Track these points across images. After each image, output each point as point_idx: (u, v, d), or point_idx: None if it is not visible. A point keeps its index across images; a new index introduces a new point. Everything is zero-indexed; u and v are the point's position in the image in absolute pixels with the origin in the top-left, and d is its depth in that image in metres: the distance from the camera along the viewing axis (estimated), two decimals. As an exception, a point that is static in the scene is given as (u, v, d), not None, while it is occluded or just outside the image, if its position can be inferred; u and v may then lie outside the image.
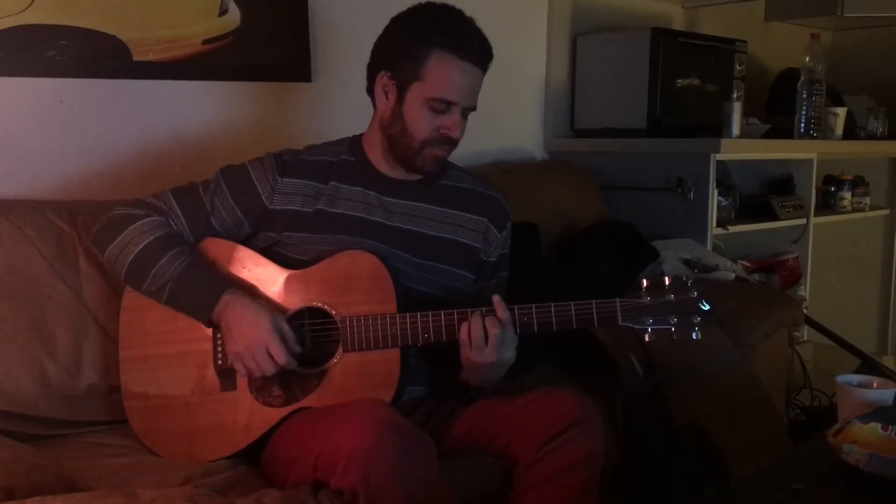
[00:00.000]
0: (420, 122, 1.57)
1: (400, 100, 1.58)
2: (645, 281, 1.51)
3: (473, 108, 1.61)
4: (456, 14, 1.59)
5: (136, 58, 1.97)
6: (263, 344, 1.49)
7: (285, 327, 1.52)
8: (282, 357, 1.50)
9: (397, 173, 1.66)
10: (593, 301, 1.49)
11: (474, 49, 1.55)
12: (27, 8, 1.82)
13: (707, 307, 1.49)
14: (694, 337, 1.50)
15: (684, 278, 1.52)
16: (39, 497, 1.22)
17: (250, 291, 1.57)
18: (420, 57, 1.54)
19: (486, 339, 1.47)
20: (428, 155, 1.60)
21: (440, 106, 1.55)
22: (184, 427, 1.58)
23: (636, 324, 1.49)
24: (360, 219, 1.63)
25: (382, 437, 1.32)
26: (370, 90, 1.64)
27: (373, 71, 1.63)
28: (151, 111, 2.04)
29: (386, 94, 1.60)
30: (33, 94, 1.87)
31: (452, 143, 1.60)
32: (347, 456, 1.31)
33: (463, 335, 1.48)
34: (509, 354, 1.50)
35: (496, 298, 1.49)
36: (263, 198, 1.62)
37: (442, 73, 1.54)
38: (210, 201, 1.63)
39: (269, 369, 1.51)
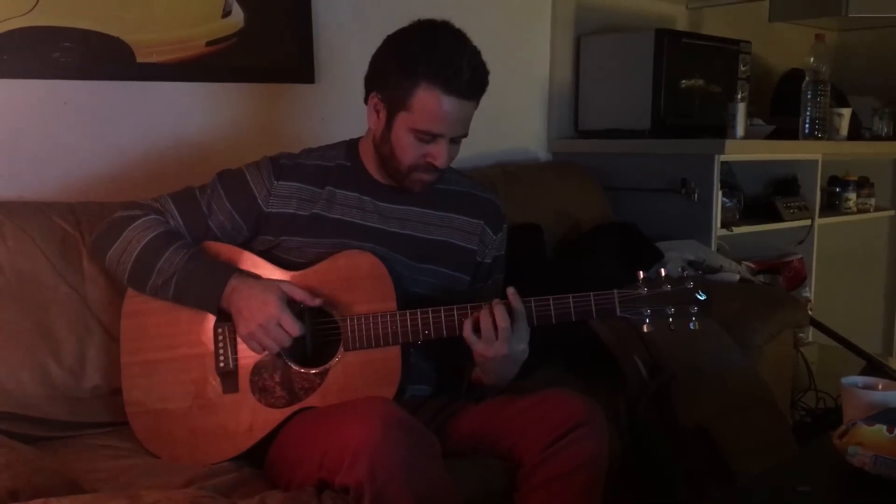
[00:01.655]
0: (406, 149, 1.57)
1: (389, 124, 1.58)
2: (641, 273, 1.51)
3: (464, 136, 1.60)
4: (448, 41, 1.55)
5: (139, 59, 1.97)
6: (275, 319, 1.50)
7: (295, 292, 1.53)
8: (295, 329, 1.50)
9: (391, 180, 1.66)
10: (591, 293, 1.49)
11: (463, 83, 1.52)
12: (31, 10, 1.82)
13: (704, 297, 1.49)
14: (691, 327, 1.50)
15: (680, 269, 1.52)
16: (43, 499, 1.22)
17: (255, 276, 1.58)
18: (407, 88, 1.53)
19: (496, 332, 1.47)
20: (415, 178, 1.61)
21: (426, 137, 1.55)
22: (186, 430, 1.58)
23: (634, 314, 1.49)
24: (357, 224, 1.64)
25: (389, 433, 1.32)
26: (366, 102, 1.64)
27: (367, 87, 1.63)
28: (155, 113, 2.04)
29: (377, 113, 1.60)
30: (37, 95, 1.88)
31: (439, 170, 1.60)
32: (353, 451, 1.31)
33: (473, 328, 1.48)
34: (522, 347, 1.50)
35: (511, 290, 1.50)
36: (259, 201, 1.63)
37: (428, 106, 1.52)
38: (207, 205, 1.64)
39: (285, 342, 1.52)
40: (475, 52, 1.56)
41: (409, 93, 1.53)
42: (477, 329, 1.49)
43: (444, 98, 1.52)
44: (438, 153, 1.56)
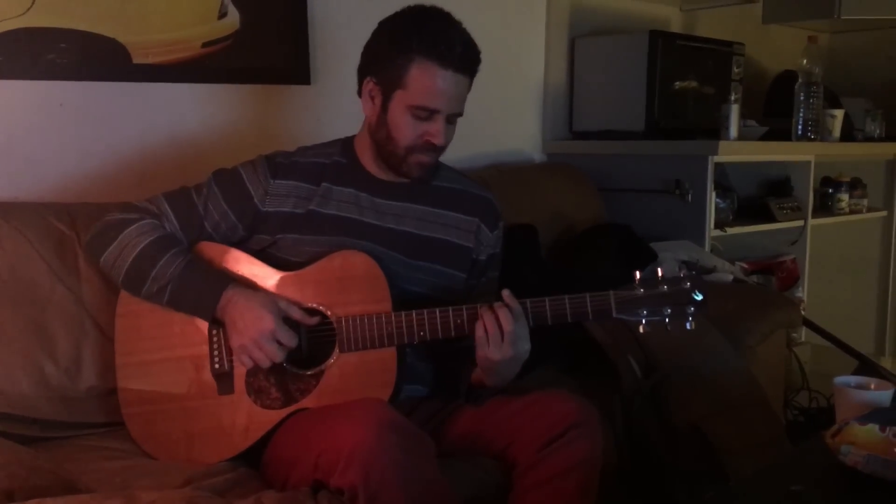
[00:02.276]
0: (404, 129, 1.57)
1: (385, 106, 1.58)
2: (637, 273, 1.51)
3: (460, 114, 1.61)
4: (440, 19, 1.57)
5: (135, 60, 1.98)
6: (270, 332, 1.50)
7: (292, 313, 1.53)
8: (292, 341, 1.51)
9: (388, 175, 1.66)
10: (587, 294, 1.49)
11: (457, 56, 1.53)
12: (27, 11, 1.82)
13: (700, 297, 1.49)
14: (688, 327, 1.49)
15: (676, 268, 1.52)
16: (39, 499, 1.23)
17: (250, 287, 1.58)
18: (402, 65, 1.54)
19: (503, 335, 1.47)
20: (413, 161, 1.60)
21: (423, 113, 1.55)
22: (182, 432, 1.59)
23: (631, 315, 1.49)
24: (353, 220, 1.64)
25: (383, 436, 1.32)
26: (360, 94, 1.64)
27: (360, 75, 1.63)
28: (151, 114, 2.04)
29: (372, 99, 1.60)
30: (33, 96, 1.88)
31: (437, 150, 1.61)
32: (348, 454, 1.31)
33: (479, 333, 1.48)
34: (527, 346, 1.50)
35: (506, 292, 1.49)
36: (256, 200, 1.63)
37: (423, 81, 1.53)
38: (203, 205, 1.64)
39: (278, 357, 1.52)
40: (465, 31, 1.58)
41: (404, 70, 1.54)
42: (482, 334, 1.48)
43: (439, 72, 1.53)
44: (436, 131, 1.57)
